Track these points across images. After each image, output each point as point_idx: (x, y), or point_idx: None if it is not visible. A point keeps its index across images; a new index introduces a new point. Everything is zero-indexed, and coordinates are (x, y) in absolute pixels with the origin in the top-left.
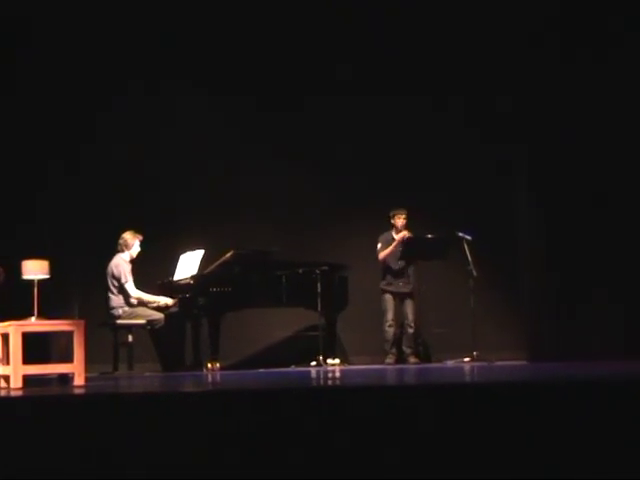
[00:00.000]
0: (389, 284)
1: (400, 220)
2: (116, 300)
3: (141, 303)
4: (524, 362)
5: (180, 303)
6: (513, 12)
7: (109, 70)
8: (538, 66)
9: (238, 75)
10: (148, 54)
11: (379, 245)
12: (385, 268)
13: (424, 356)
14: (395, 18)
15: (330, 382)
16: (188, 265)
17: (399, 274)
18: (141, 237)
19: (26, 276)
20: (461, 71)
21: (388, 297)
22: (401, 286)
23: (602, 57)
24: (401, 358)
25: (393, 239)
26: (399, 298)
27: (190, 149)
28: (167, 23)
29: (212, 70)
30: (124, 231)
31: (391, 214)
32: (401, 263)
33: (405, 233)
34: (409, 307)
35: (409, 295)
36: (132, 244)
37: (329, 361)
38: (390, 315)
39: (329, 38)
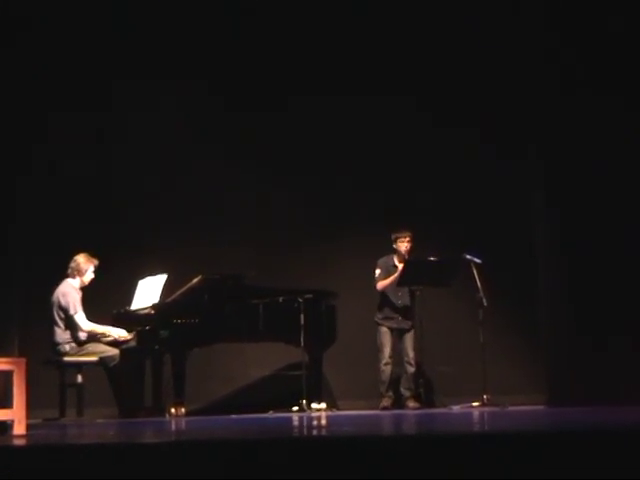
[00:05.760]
0: (387, 318)
1: (404, 244)
2: (62, 334)
3: (92, 337)
4: (542, 407)
5: (139, 337)
6: (527, 27)
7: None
8: (554, 82)
9: (211, 84)
10: (109, 64)
11: (377, 271)
12: (383, 300)
13: (426, 400)
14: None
15: (315, 431)
16: (148, 292)
17: (400, 309)
18: (96, 262)
19: None
20: (473, 85)
21: (384, 331)
22: (400, 321)
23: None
24: (399, 402)
25: (394, 266)
26: (397, 333)
27: (151, 160)
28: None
29: (182, 78)
30: (74, 254)
31: (393, 237)
32: (403, 297)
33: None
34: (409, 343)
35: (409, 330)
36: (85, 270)
37: (313, 406)
38: (387, 351)
39: (319, 42)
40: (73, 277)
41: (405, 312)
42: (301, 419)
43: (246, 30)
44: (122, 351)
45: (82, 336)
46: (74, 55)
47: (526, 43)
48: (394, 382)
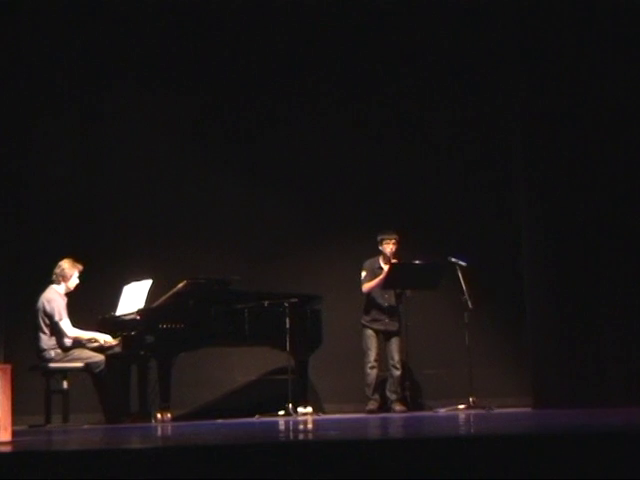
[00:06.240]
0: (374, 320)
1: (389, 246)
2: (47, 341)
3: (78, 343)
4: (528, 409)
5: (124, 342)
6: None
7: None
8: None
9: (202, 87)
10: (86, 71)
11: (363, 274)
12: (369, 302)
13: (412, 403)
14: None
15: (301, 435)
16: (133, 297)
17: (386, 310)
18: (81, 267)
19: None
20: (469, 86)
21: (370, 334)
22: (387, 323)
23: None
24: (385, 405)
25: (380, 268)
26: (384, 336)
27: (135, 164)
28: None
29: (172, 81)
30: (60, 259)
31: (379, 239)
32: (390, 299)
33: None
34: (395, 346)
35: (395, 333)
36: (70, 275)
37: (300, 410)
38: (373, 355)
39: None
40: (58, 283)
41: (392, 313)
42: (287, 423)
43: (241, 33)
44: (108, 357)
45: (67, 342)
46: (67, 56)
47: (525, 43)
48: (380, 385)
